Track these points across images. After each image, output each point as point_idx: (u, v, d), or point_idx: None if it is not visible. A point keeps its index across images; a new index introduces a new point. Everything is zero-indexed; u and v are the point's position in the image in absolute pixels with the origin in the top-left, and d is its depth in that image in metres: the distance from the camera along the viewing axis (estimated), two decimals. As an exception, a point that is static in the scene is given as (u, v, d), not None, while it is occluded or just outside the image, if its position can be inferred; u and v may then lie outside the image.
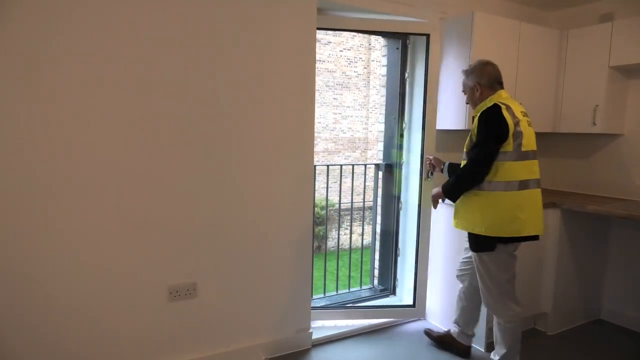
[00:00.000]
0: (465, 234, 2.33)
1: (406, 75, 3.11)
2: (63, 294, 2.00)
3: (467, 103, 2.38)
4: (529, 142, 2.12)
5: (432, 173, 2.77)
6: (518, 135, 2.07)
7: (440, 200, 2.40)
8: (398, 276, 3.28)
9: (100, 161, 2.02)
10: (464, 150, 2.23)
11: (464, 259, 2.55)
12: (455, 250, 2.85)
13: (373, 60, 12.92)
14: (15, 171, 1.85)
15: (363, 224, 3.80)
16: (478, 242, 2.20)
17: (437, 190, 2.35)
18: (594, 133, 3.13)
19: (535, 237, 2.20)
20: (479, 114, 2.13)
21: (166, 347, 2.27)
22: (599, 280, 3.20)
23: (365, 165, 3.39)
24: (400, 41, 3.08)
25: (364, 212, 3.92)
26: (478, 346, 2.72)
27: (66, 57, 1.89)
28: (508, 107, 2.10)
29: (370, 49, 12.91)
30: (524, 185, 2.09)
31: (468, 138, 2.20)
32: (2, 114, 1.80)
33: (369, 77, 13.05)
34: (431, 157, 2.65)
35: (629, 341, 2.91)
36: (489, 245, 2.16)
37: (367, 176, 3.54)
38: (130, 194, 2.09)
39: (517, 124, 2.08)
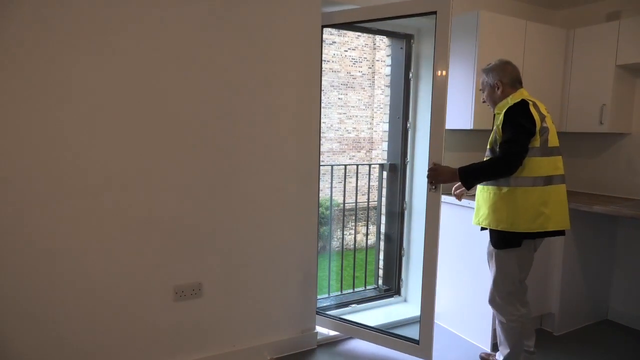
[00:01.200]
0: (481, 234, 2.34)
1: (411, 74, 3.11)
2: (69, 294, 2.01)
3: (483, 101, 2.34)
4: (554, 139, 2.15)
5: (434, 186, 2.33)
6: (544, 131, 2.09)
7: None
8: (403, 276, 3.27)
9: (107, 162, 2.03)
10: (488, 147, 2.21)
11: None
12: (465, 249, 2.84)
13: (378, 60, 12.91)
14: (22, 172, 1.87)
15: (367, 224, 3.79)
16: (502, 239, 2.16)
17: (443, 169, 2.23)
18: (601, 132, 3.11)
19: (561, 233, 2.19)
20: (505, 110, 2.10)
21: (172, 346, 2.27)
22: (606, 280, 3.17)
23: (370, 165, 3.39)
24: (405, 40, 3.07)
25: (368, 212, 3.92)
26: (484, 346, 2.71)
27: (69, 58, 1.91)
28: (534, 104, 2.11)
29: (375, 48, 12.90)
30: (549, 180, 2.11)
31: (492, 135, 2.17)
32: (9, 115, 1.82)
33: (373, 76, 13.04)
34: (434, 167, 2.29)
35: (636, 342, 2.88)
36: (515, 242, 2.13)
37: (371, 176, 3.53)
38: (136, 194, 2.10)
39: (543, 119, 2.10)
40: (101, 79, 1.98)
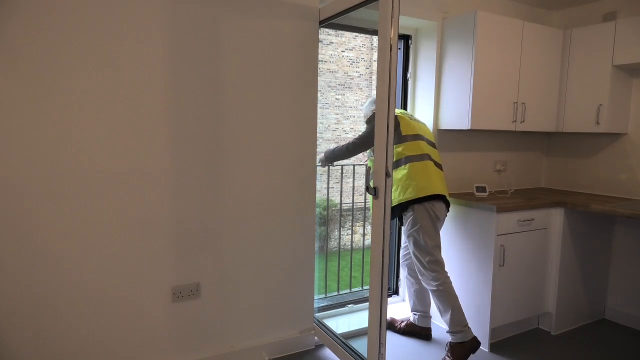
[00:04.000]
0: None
1: (408, 75, 3.11)
2: (67, 295, 2.00)
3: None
4: (407, 128, 2.59)
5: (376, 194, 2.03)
6: (397, 125, 2.55)
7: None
8: (400, 276, 3.28)
9: (105, 163, 2.02)
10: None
11: (404, 245, 2.82)
12: (461, 248, 2.85)
13: (375, 61, 12.91)
14: (22, 172, 1.86)
15: (364, 224, 3.79)
16: (394, 210, 2.55)
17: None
18: (598, 132, 3.12)
19: (442, 197, 2.55)
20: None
21: (170, 347, 2.27)
22: (603, 279, 3.18)
23: (367, 165, 3.38)
24: (402, 41, 3.08)
25: (365, 213, 3.91)
26: (482, 347, 2.71)
27: (68, 59, 1.90)
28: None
29: (372, 49, 12.91)
30: (406, 160, 2.54)
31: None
32: (9, 116, 1.81)
33: (371, 77, 13.05)
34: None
35: (633, 341, 2.90)
36: (401, 208, 2.56)
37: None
38: (134, 195, 2.10)
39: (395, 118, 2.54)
40: (101, 79, 1.97)
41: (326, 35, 11.39)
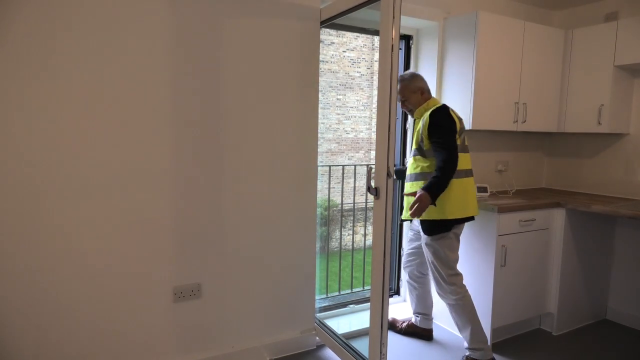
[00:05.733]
0: (410, 225, 2.67)
1: (410, 75, 3.11)
2: (68, 294, 2.00)
3: (403, 108, 2.58)
4: (465, 138, 2.48)
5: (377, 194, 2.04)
6: (462, 131, 2.42)
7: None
8: (402, 276, 3.27)
9: (107, 163, 2.02)
10: (414, 147, 2.47)
11: (409, 249, 2.74)
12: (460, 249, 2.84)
13: (376, 61, 12.91)
14: (23, 173, 1.86)
15: (365, 224, 3.79)
16: (434, 226, 2.38)
17: (423, 195, 2.19)
18: (599, 133, 3.12)
19: (472, 218, 2.46)
20: (428, 114, 2.35)
21: (171, 347, 2.27)
22: (605, 280, 3.18)
23: (368, 165, 3.38)
24: (403, 41, 3.08)
25: (366, 213, 3.91)
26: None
27: (68, 58, 1.90)
28: (452, 109, 2.41)
29: (373, 49, 12.90)
30: (466, 173, 2.41)
31: (416, 136, 2.44)
32: (9, 116, 1.81)
33: (372, 77, 13.04)
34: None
35: (635, 341, 2.89)
36: (445, 227, 2.37)
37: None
38: (135, 195, 2.10)
39: (460, 121, 2.43)
40: (101, 80, 1.97)
41: (327, 35, 11.39)
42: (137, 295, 2.15)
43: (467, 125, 2.84)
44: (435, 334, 2.84)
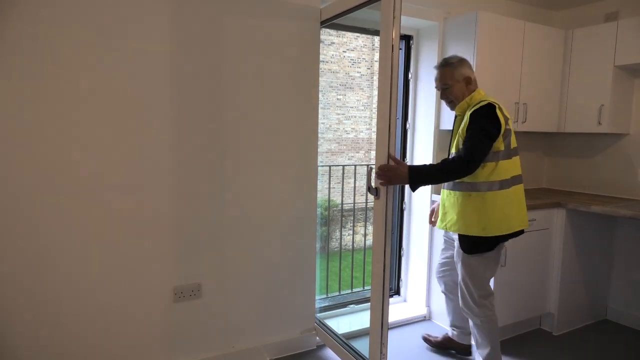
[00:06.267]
0: (442, 232, 2.37)
1: (409, 75, 3.11)
2: (68, 295, 2.00)
3: (442, 98, 2.26)
4: (514, 140, 2.14)
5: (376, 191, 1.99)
6: (508, 134, 2.07)
7: (390, 182, 1.96)
8: (402, 276, 3.27)
9: (107, 163, 2.02)
10: (453, 151, 2.17)
11: (443, 259, 2.51)
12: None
13: (376, 61, 12.91)
14: (22, 173, 1.86)
15: (366, 224, 3.78)
16: (474, 244, 2.12)
17: (401, 170, 1.94)
18: (600, 133, 3.12)
19: (521, 232, 2.20)
20: (470, 112, 2.06)
21: (171, 347, 2.27)
22: (605, 280, 3.18)
23: (368, 165, 3.37)
24: (404, 42, 3.08)
25: (366, 213, 3.92)
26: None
27: (69, 58, 1.90)
28: (499, 107, 2.07)
29: (373, 49, 12.90)
30: (512, 181, 2.10)
31: (457, 136, 2.14)
32: (13, 116, 1.82)
33: (372, 77, 13.04)
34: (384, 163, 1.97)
35: (635, 341, 2.89)
36: (487, 246, 2.11)
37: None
38: (135, 195, 2.10)
39: (507, 122, 2.07)
40: (101, 80, 1.97)
41: (327, 35, 11.39)
42: (137, 295, 2.15)
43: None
44: (434, 334, 2.83)
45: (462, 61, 2.19)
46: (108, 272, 2.08)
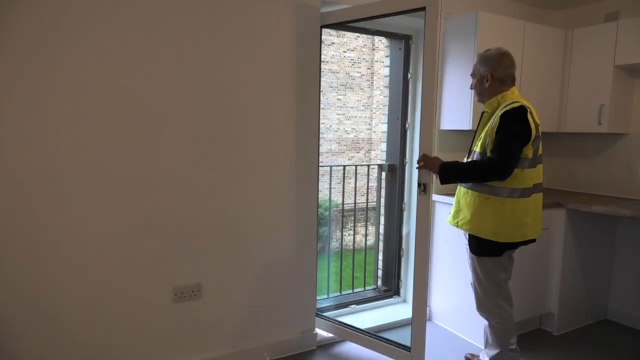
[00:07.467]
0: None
1: (409, 75, 3.11)
2: (69, 295, 2.01)
3: (471, 88, 2.22)
4: (541, 147, 2.07)
5: (424, 188, 2.21)
6: (537, 140, 2.01)
7: (429, 172, 2.16)
8: (402, 277, 3.27)
9: (107, 163, 2.02)
10: (478, 150, 2.08)
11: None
12: (461, 248, 2.84)
13: (376, 61, 12.92)
14: (23, 173, 1.86)
15: (366, 224, 3.79)
16: (483, 246, 2.10)
17: (435, 165, 2.09)
18: (600, 132, 3.12)
19: (533, 241, 2.17)
20: (501, 114, 1.97)
21: (171, 347, 2.27)
22: (605, 280, 3.18)
23: (369, 165, 3.36)
24: (403, 41, 3.08)
25: (367, 213, 3.92)
26: (482, 345, 2.70)
27: (69, 57, 1.91)
28: (530, 112, 2.00)
29: (373, 49, 12.91)
30: (533, 190, 2.05)
31: (485, 135, 2.04)
32: (14, 116, 1.82)
33: (372, 77, 13.05)
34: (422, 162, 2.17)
35: (635, 341, 2.89)
36: (496, 251, 2.08)
37: (370, 176, 3.54)
38: (136, 195, 2.10)
39: (537, 128, 2.00)
40: (101, 79, 1.97)
41: (328, 35, 11.40)
42: (137, 295, 2.16)
43: (467, 126, 2.84)
44: (435, 334, 2.84)
45: (501, 54, 2.11)
46: (108, 272, 2.08)
